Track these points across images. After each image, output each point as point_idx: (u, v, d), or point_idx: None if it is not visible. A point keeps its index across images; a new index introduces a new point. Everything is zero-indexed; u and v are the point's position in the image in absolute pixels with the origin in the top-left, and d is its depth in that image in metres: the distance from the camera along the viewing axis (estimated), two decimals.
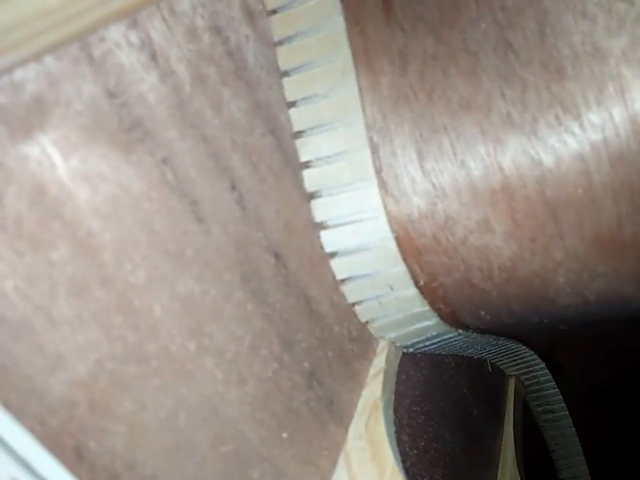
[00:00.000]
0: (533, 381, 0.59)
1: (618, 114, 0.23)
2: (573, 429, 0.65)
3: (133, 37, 0.21)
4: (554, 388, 0.60)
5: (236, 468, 0.23)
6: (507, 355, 0.53)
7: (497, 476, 0.52)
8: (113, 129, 0.19)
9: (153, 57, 0.21)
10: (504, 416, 0.55)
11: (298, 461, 0.27)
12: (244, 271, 0.25)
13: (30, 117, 0.16)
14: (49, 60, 0.17)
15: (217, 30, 0.25)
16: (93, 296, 0.18)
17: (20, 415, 0.16)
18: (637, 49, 0.22)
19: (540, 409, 0.63)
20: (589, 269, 0.27)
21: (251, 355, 0.25)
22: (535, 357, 0.56)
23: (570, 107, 0.23)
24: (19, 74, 0.16)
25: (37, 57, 0.16)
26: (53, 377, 0.17)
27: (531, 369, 0.57)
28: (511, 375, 0.58)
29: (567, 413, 0.63)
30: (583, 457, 0.67)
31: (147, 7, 0.21)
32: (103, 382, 0.18)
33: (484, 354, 0.50)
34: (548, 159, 0.24)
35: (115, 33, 0.20)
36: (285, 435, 0.26)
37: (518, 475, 0.52)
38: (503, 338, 0.46)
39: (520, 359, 0.55)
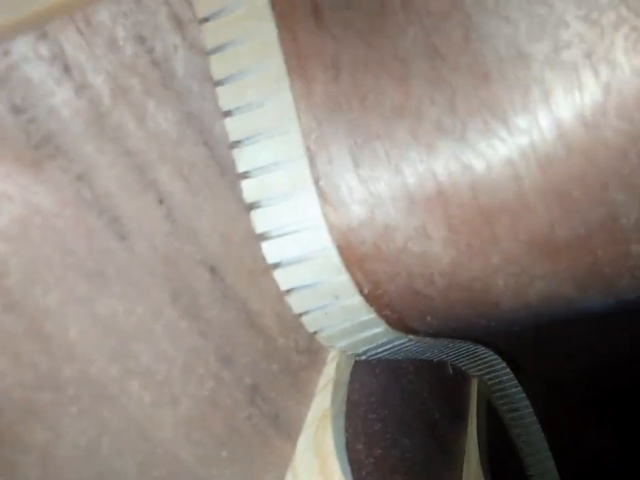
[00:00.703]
0: (496, 380, 0.59)
1: (543, 118, 0.23)
2: (538, 425, 0.65)
3: (43, 50, 0.20)
4: (517, 387, 0.60)
5: None
6: (466, 356, 0.53)
7: (461, 477, 0.52)
8: (19, 146, 0.18)
9: (66, 69, 0.21)
10: (467, 417, 0.55)
11: None
12: (175, 287, 0.24)
13: None
14: None
15: (140, 39, 0.24)
16: None
17: None
18: (560, 54, 0.22)
19: (504, 407, 0.63)
20: (526, 272, 0.27)
21: (185, 374, 0.24)
22: (496, 357, 0.56)
23: (497, 111, 0.23)
24: None
25: None
26: None
27: (493, 369, 0.57)
28: (473, 376, 0.59)
29: (532, 410, 0.64)
30: (550, 453, 0.68)
31: (57, 18, 0.20)
32: (11, 412, 0.17)
33: (442, 357, 0.50)
34: (479, 165, 0.24)
35: (22, 45, 0.19)
36: (224, 454, 0.25)
37: (482, 475, 0.52)
38: (458, 340, 0.46)
39: (480, 359, 0.55)
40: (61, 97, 0.20)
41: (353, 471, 0.31)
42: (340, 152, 0.27)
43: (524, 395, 0.62)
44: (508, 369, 0.58)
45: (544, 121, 0.23)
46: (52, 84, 0.20)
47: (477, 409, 0.56)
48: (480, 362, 0.55)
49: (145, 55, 0.24)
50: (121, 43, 0.23)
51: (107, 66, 0.22)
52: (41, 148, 0.19)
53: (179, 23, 0.27)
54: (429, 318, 0.32)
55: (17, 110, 0.19)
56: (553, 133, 0.23)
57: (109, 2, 0.23)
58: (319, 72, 0.27)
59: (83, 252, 0.20)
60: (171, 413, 0.23)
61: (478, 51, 0.23)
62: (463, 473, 0.52)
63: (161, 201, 0.24)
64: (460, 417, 0.55)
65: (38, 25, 0.20)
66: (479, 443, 0.55)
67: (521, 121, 0.23)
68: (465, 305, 0.30)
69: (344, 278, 0.30)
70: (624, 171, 0.23)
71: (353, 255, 0.29)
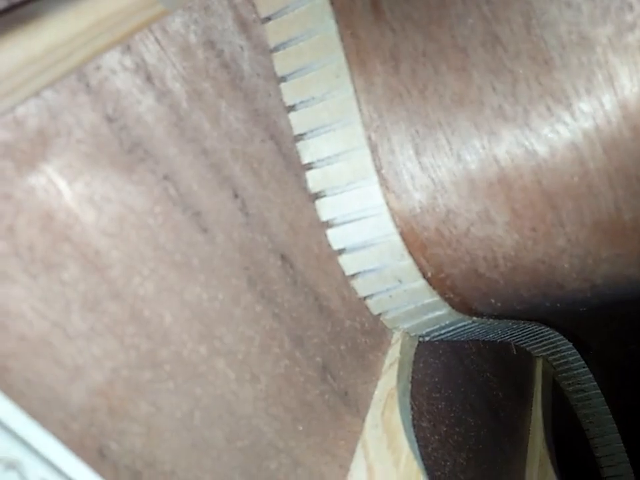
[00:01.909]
0: (562, 361, 0.59)
1: (608, 101, 0.23)
2: (606, 406, 0.64)
3: (128, 62, 0.22)
4: (583, 367, 0.60)
5: (253, 461, 0.25)
6: (530, 337, 0.53)
7: (525, 457, 0.52)
8: (114, 152, 0.21)
9: (148, 78, 0.23)
10: (532, 397, 0.56)
11: (315, 452, 0.28)
12: (251, 275, 0.26)
13: (34, 150, 0.18)
14: (48, 94, 0.19)
15: (210, 44, 0.26)
16: (105, 310, 0.20)
17: (44, 421, 0.17)
18: (623, 37, 0.22)
19: (570, 388, 0.63)
20: (592, 254, 0.27)
21: (262, 353, 0.26)
22: (561, 337, 0.56)
23: (560, 97, 0.24)
24: (20, 110, 0.18)
25: (36, 92, 0.18)
26: (73, 386, 0.18)
27: (558, 349, 0.57)
28: (538, 357, 0.58)
29: (599, 391, 0.63)
30: (618, 434, 0.67)
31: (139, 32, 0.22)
32: (119, 388, 0.20)
33: (506, 337, 0.50)
34: (542, 149, 0.25)
35: (110, 59, 0.21)
36: (300, 428, 0.27)
37: (548, 455, 0.53)
38: (523, 321, 0.46)
39: (545, 340, 0.55)
40: (146, 104, 0.22)
41: (419, 447, 0.32)
42: (401, 141, 0.28)
43: (591, 375, 0.61)
44: (574, 349, 0.58)
45: (609, 104, 0.23)
46: (137, 93, 0.22)
47: (542, 389, 0.56)
48: (545, 342, 0.55)
49: (215, 59, 0.26)
50: (194, 49, 0.25)
51: (183, 72, 0.24)
52: (132, 152, 0.21)
53: (244, 25, 0.28)
54: (492, 300, 0.33)
55: (109, 119, 0.21)
56: (618, 115, 0.23)
57: (181, 11, 0.25)
58: (379, 64, 0.28)
59: (171, 245, 0.22)
60: (252, 389, 0.25)
61: (539, 37, 0.23)
62: (528, 453, 0.53)
63: (235, 195, 0.26)
64: (524, 397, 0.55)
65: (123, 40, 0.22)
66: (544, 423, 0.55)
67: (585, 106, 0.23)
68: (529, 287, 0.31)
69: (407, 262, 0.31)
70: None
71: (415, 241, 0.30)
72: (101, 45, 0.19)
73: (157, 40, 0.24)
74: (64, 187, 0.19)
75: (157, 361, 0.21)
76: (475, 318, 0.36)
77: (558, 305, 0.33)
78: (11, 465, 0.18)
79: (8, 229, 0.17)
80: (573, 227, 0.26)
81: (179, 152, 0.23)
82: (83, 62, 0.18)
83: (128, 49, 0.22)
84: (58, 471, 0.18)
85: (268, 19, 0.29)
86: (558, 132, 0.24)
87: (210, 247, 0.24)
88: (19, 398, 0.17)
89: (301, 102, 0.30)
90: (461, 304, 0.34)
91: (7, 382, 0.16)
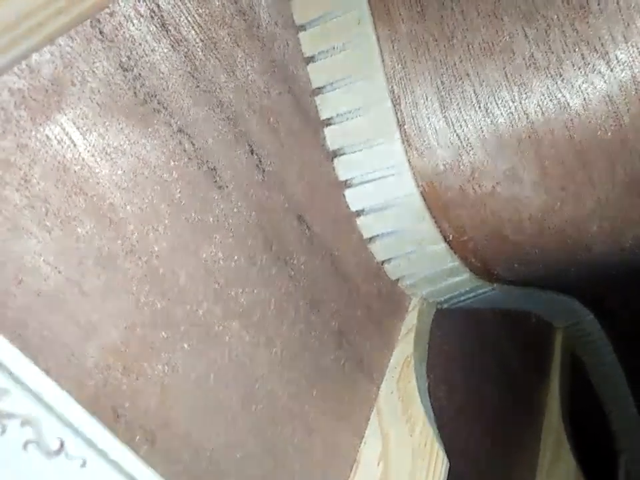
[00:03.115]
0: (583, 333, 0.60)
1: None
2: (625, 382, 0.65)
3: (142, 8, 0.22)
4: (603, 339, 0.60)
5: (267, 425, 0.25)
6: (551, 306, 0.53)
7: (541, 429, 0.53)
8: (128, 103, 0.21)
9: (163, 25, 0.22)
10: (549, 370, 0.56)
11: (329, 417, 0.29)
12: (267, 235, 0.26)
13: (48, 99, 0.18)
14: (62, 41, 0.18)
15: None
16: (119, 266, 0.20)
17: (59, 379, 0.18)
18: None
19: (590, 361, 0.64)
20: (623, 216, 0.27)
21: (278, 316, 0.26)
22: (582, 307, 0.56)
23: (596, 45, 0.23)
24: (35, 57, 0.18)
25: (51, 39, 0.18)
26: (88, 344, 0.19)
27: (580, 319, 0.58)
28: (558, 328, 0.59)
29: (618, 364, 0.64)
30: (636, 409, 0.68)
31: None
32: (134, 347, 0.20)
33: (527, 307, 0.50)
34: (575, 102, 0.24)
35: (124, 5, 0.21)
36: (315, 393, 0.28)
37: (563, 429, 0.54)
38: (545, 290, 0.47)
39: (566, 310, 0.55)
40: (160, 53, 0.22)
41: (435, 416, 0.33)
42: (426, 93, 0.28)
43: (611, 347, 0.62)
44: (596, 321, 0.58)
45: None
46: (152, 41, 0.22)
47: (561, 362, 0.57)
48: (566, 312, 0.56)
49: (232, 6, 0.26)
50: None
51: (198, 19, 0.24)
52: (146, 103, 0.21)
53: None
54: (516, 265, 0.33)
55: (124, 68, 0.21)
56: None
57: None
58: (404, 11, 0.27)
59: (187, 202, 0.23)
60: (267, 352, 0.26)
61: None
62: (544, 425, 0.54)
63: (252, 151, 0.26)
64: (542, 369, 0.56)
65: None
66: (560, 396, 0.56)
67: (623, 54, 0.23)
68: (556, 250, 0.31)
69: (428, 225, 0.31)
70: None
71: (437, 201, 0.30)
72: None
73: None
74: (78, 137, 0.19)
75: (172, 320, 0.22)
76: (496, 284, 0.37)
77: (584, 270, 0.34)
78: (27, 421, 0.18)
79: (23, 179, 0.17)
80: (604, 187, 0.26)
81: (193, 104, 0.23)
82: (98, 5, 0.18)
83: None
84: (73, 428, 0.19)
85: None
86: (593, 83, 0.24)
87: (226, 204, 0.24)
88: (35, 355, 0.17)
89: (320, 52, 0.29)
90: (482, 269, 0.34)
91: (23, 338, 0.17)
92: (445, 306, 0.39)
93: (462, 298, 0.38)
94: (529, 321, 0.53)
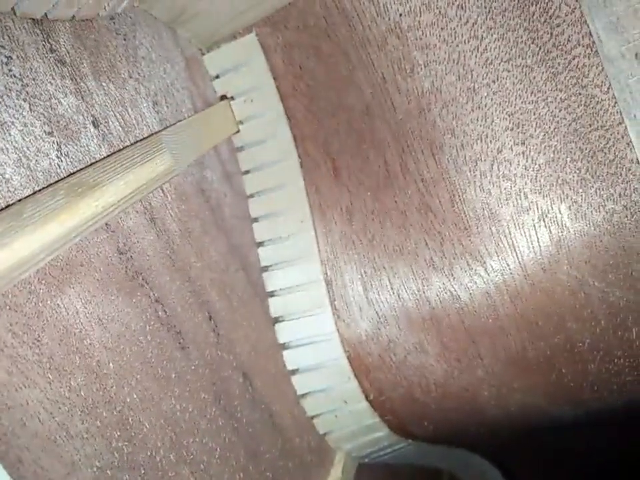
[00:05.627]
0: None
1: (511, 263, 0.31)
2: None
3: (138, 205, 0.28)
4: None
5: None
6: (460, 462, 0.58)
7: None
8: (120, 279, 0.26)
9: (152, 219, 0.29)
10: None
11: None
12: (217, 390, 0.31)
13: (62, 276, 0.23)
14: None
15: (202, 192, 0.33)
16: (99, 414, 0.24)
17: None
18: (521, 215, 0.31)
19: None
20: (506, 384, 0.34)
21: (221, 464, 0.30)
22: (489, 465, 0.61)
23: (477, 256, 0.32)
24: None
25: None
26: None
27: (486, 476, 0.62)
28: None
29: None
30: None
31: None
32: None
33: (439, 463, 0.55)
34: (464, 295, 0.32)
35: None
36: None
37: None
38: (454, 447, 0.52)
39: (474, 466, 0.60)
40: (148, 240, 0.28)
41: None
42: (352, 278, 0.35)
43: None
44: (501, 477, 0.63)
45: (512, 264, 0.31)
46: (143, 231, 0.28)
47: None
48: (475, 469, 0.60)
49: (204, 204, 0.33)
50: (188, 196, 0.32)
51: (179, 214, 0.31)
52: (134, 279, 0.27)
53: (228, 177, 0.36)
54: (425, 423, 0.39)
55: (120, 251, 0.27)
56: (519, 274, 0.31)
57: (192, 167, 0.32)
58: (337, 216, 0.36)
59: (155, 360, 0.27)
60: None
61: (461, 210, 0.32)
62: None
63: (210, 317, 0.31)
64: None
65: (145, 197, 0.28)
66: None
67: (495, 264, 0.31)
68: (457, 411, 0.37)
69: (353, 385, 0.37)
70: (575, 305, 0.31)
71: (361, 365, 0.36)
72: (133, 201, 0.25)
73: (162, 189, 0.30)
74: (80, 307, 0.24)
75: (135, 464, 0.25)
76: (411, 440, 0.42)
77: (481, 429, 0.40)
78: None
79: (36, 339, 0.22)
80: (490, 360, 0.33)
81: (169, 279, 0.29)
82: (118, 214, 0.24)
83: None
84: None
85: (247, 172, 0.37)
86: (475, 282, 0.32)
87: (186, 362, 0.29)
88: None
89: (270, 240, 0.37)
90: (398, 426, 0.39)
91: (19, 473, 0.20)
92: (366, 460, 0.43)
93: (381, 453, 0.43)
94: (441, 477, 0.57)
